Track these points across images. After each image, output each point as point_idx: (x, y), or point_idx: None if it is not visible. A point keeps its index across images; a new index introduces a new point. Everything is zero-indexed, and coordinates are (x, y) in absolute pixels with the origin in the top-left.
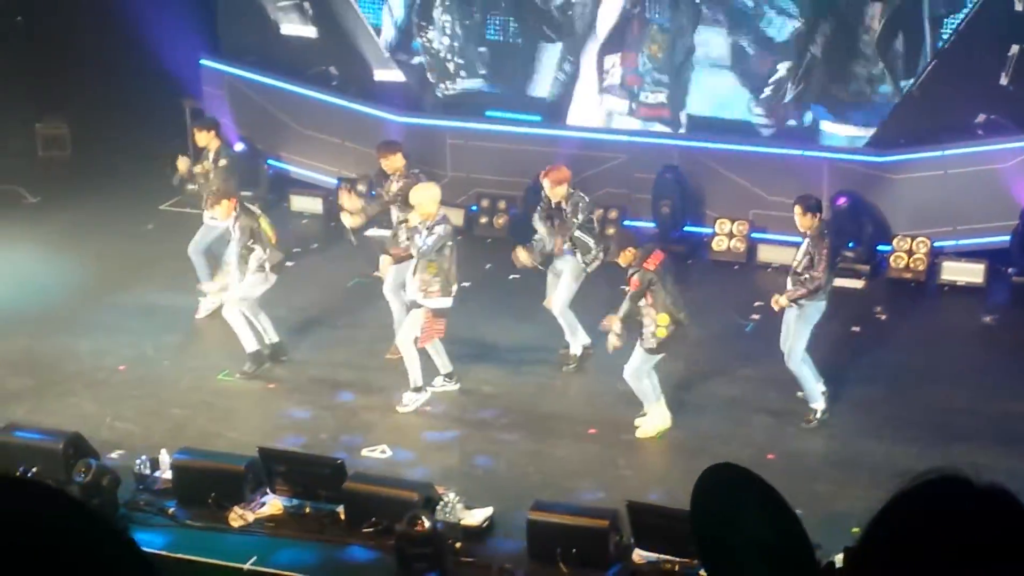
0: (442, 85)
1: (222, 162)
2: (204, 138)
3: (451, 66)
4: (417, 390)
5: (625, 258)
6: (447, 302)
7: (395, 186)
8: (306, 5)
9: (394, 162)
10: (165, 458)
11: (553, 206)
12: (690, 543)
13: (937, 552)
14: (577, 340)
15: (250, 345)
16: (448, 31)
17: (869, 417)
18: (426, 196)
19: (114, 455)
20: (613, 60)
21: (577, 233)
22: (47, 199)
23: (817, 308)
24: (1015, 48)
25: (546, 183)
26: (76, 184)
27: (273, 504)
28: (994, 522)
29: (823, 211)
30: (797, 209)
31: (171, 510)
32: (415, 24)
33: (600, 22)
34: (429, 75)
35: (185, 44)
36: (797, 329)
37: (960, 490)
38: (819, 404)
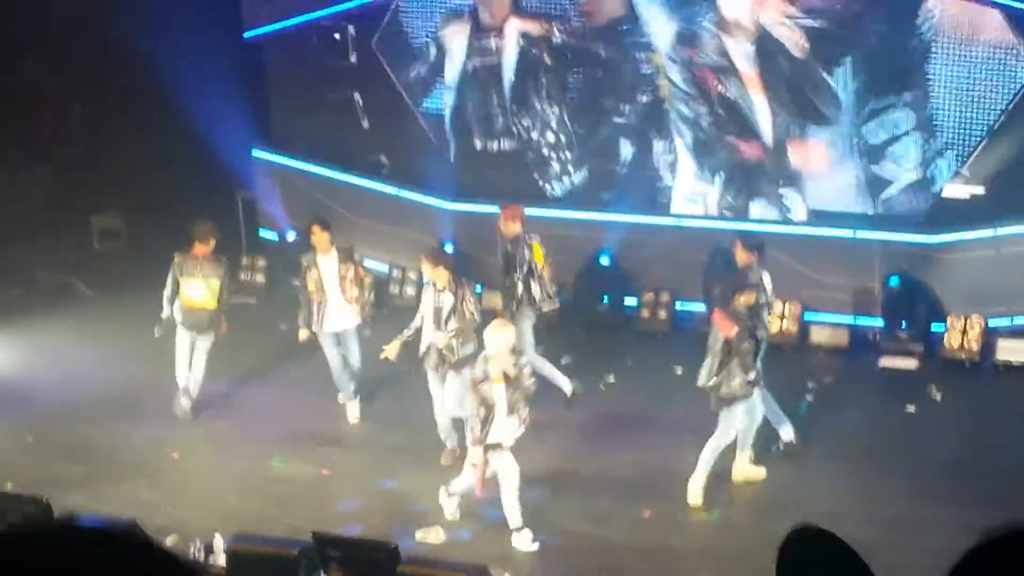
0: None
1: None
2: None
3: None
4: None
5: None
6: None
7: (439, 296)
8: (356, 96)
9: (438, 274)
10: (220, 543)
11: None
12: None
13: None
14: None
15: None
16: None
17: (927, 497)
18: (509, 339)
19: (168, 541)
20: None
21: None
22: (103, 292)
23: None
24: None
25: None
26: (131, 276)
27: None
28: None
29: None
30: (737, 245)
31: None
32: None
33: None
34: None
35: (237, 135)
36: None
37: None
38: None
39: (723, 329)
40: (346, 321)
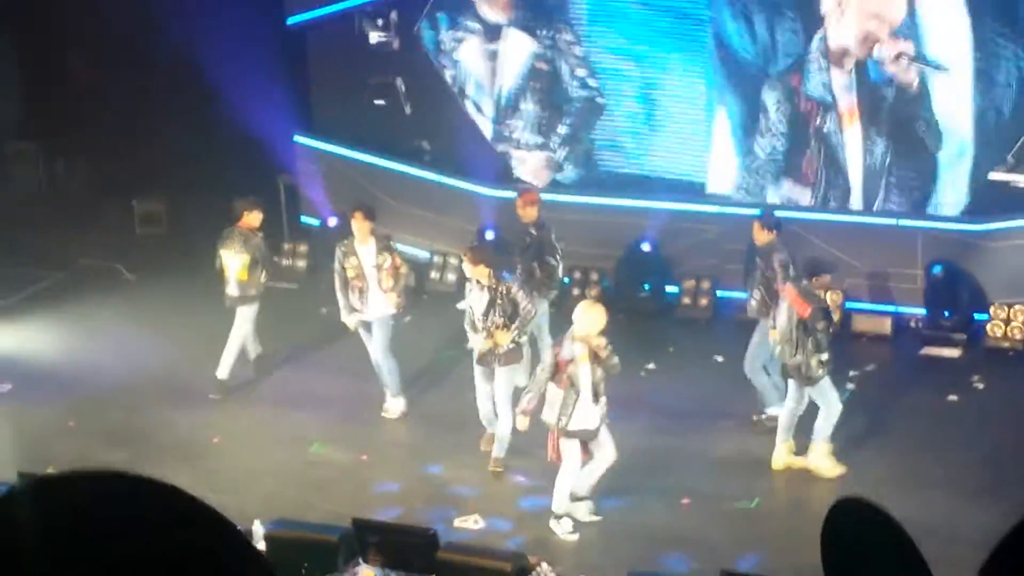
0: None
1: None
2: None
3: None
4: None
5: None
6: None
7: (483, 294)
8: (399, 81)
9: (480, 272)
10: (258, 529)
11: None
12: None
13: None
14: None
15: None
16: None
17: (968, 486)
18: (601, 319)
19: None
20: None
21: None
22: (144, 276)
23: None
24: None
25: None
26: (172, 260)
27: (366, 575)
28: None
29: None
30: (755, 225)
31: None
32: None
33: None
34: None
35: (279, 120)
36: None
37: None
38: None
39: (799, 309)
40: (378, 310)
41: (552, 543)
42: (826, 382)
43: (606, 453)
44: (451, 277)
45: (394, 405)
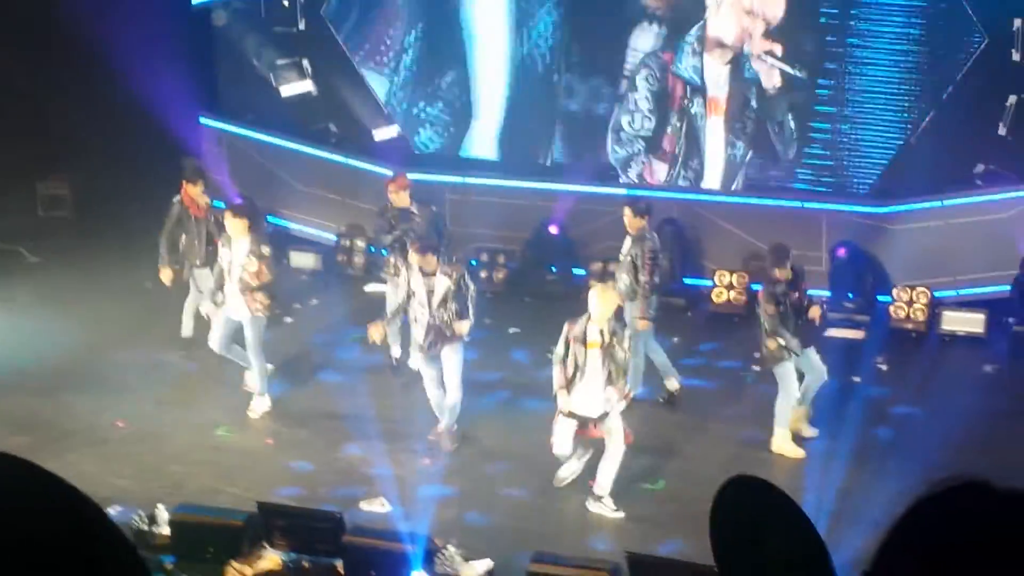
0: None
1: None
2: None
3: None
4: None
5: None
6: None
7: (431, 280)
8: (305, 63)
9: (428, 260)
10: (163, 513)
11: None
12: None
13: (961, 555)
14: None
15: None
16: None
17: (871, 466)
18: (613, 302)
19: (112, 511)
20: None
21: None
22: (47, 258)
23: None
24: (1013, 99)
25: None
26: (77, 243)
27: (271, 559)
28: (1018, 523)
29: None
30: (627, 211)
31: (169, 566)
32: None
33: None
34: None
35: (185, 103)
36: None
37: (982, 494)
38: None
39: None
40: (239, 311)
41: (458, 526)
42: (787, 367)
43: (615, 443)
44: (358, 259)
45: (259, 404)
